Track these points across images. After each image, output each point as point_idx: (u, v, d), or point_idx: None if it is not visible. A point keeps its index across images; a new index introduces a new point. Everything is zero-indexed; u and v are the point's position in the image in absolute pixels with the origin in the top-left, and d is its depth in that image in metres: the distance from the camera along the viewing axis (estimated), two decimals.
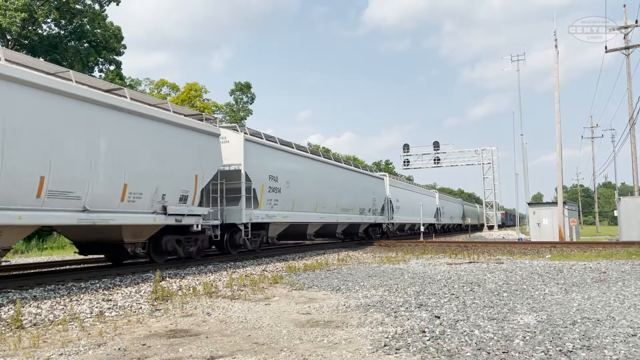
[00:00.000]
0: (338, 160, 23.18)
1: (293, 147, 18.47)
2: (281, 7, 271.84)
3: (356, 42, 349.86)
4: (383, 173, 31.37)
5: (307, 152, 19.62)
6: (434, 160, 57.30)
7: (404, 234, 36.51)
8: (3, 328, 5.74)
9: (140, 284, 9.24)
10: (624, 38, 29.82)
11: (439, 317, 6.11)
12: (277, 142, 17.23)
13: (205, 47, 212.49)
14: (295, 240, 21.92)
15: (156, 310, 6.96)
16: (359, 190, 24.22)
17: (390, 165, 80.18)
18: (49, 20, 30.32)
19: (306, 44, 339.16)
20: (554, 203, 26.66)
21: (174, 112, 12.10)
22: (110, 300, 7.62)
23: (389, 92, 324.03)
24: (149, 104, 11.56)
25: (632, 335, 5.04)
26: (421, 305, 7.04)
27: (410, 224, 35.67)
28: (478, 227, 58.58)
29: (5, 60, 8.32)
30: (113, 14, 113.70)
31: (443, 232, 46.16)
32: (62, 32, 31.79)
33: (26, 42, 29.10)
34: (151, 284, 8.89)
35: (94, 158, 9.33)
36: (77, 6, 30.86)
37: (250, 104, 50.55)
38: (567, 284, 9.16)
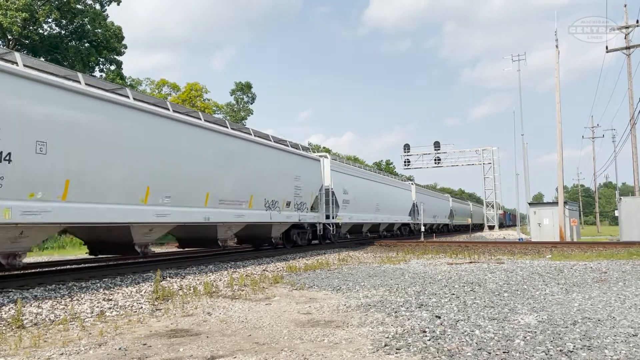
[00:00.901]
0: (223, 124, 13.76)
1: (81, 80, 9.44)
2: (282, 8, 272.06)
3: (357, 42, 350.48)
4: (323, 153, 21.17)
5: (128, 96, 10.51)
6: (435, 160, 57.32)
7: (360, 238, 26.83)
8: (4, 328, 5.74)
9: (141, 284, 9.24)
10: (625, 38, 29.84)
11: (439, 317, 6.11)
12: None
13: (207, 47, 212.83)
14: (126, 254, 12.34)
15: (157, 310, 6.96)
16: (264, 173, 15.29)
17: (391, 165, 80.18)
18: (49, 20, 30.36)
19: (307, 44, 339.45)
20: (555, 203, 26.66)
21: None
22: (111, 300, 7.63)
23: (390, 92, 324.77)
24: None
25: (633, 335, 5.04)
26: (422, 305, 7.04)
27: (370, 224, 26.55)
28: (471, 228, 52.18)
29: None
30: (114, 14, 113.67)
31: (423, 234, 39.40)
32: (63, 32, 31.83)
33: (27, 42, 29.13)
34: (152, 283, 8.90)
35: None
36: (78, 6, 30.90)
37: (251, 103, 50.58)
38: (568, 284, 9.16)
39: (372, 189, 26.31)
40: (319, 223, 19.71)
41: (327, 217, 19.99)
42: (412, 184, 36.65)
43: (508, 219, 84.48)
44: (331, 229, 20.37)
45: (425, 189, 45.47)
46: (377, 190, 26.89)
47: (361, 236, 27.15)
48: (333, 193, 20.47)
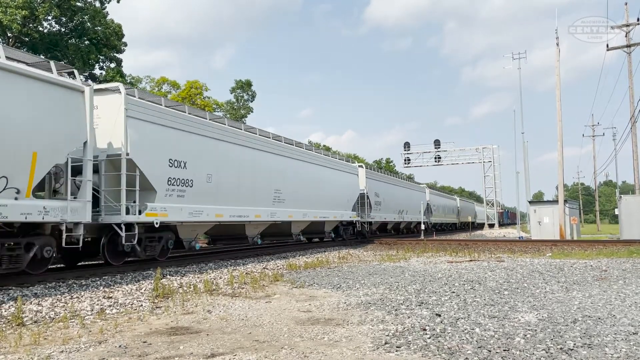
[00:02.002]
0: None
1: None
2: (283, 6, 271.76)
3: (358, 41, 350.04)
4: (109, 85, 10.99)
5: None
6: (435, 158, 57.39)
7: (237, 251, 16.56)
8: (4, 325, 5.74)
9: (141, 282, 9.25)
10: (626, 36, 29.79)
11: (439, 315, 6.10)
12: None
13: (207, 45, 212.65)
14: None
15: (157, 307, 6.96)
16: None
17: (391, 164, 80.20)
18: (49, 17, 30.31)
19: (308, 43, 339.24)
20: (555, 201, 26.68)
21: None
22: (111, 297, 7.63)
23: (391, 91, 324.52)
24: None
25: (634, 334, 5.04)
26: (422, 303, 7.03)
27: (265, 224, 16.02)
28: (458, 227, 46.88)
29: None
30: (114, 12, 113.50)
31: (384, 235, 30.95)
32: (63, 29, 31.80)
33: (27, 39, 29.11)
34: (152, 281, 8.90)
35: None
36: (78, 3, 30.87)
37: (251, 101, 50.56)
38: (568, 282, 9.16)
39: (267, 166, 15.62)
40: (74, 223, 9.08)
41: (117, 212, 10.08)
42: (360, 166, 25.80)
43: (506, 217, 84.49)
44: (123, 235, 10.06)
45: (384, 174, 31.97)
46: (277, 170, 16.30)
47: (272, 241, 16.54)
48: (136, 166, 10.37)
